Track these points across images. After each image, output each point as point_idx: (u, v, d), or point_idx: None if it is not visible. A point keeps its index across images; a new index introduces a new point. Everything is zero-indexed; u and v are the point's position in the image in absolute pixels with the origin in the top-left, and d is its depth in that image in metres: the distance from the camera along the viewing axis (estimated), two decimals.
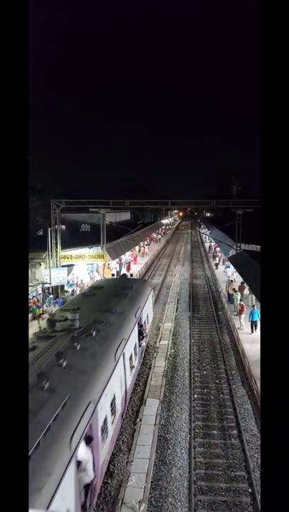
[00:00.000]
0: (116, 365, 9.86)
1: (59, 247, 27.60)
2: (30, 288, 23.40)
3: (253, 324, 18.84)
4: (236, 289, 25.60)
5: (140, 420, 11.93)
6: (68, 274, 26.76)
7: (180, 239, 79.31)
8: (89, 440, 7.32)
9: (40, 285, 25.08)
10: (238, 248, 30.66)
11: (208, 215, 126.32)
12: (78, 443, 6.50)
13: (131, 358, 12.20)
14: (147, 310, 17.02)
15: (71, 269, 27.80)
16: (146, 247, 53.27)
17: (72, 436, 6.31)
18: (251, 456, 10.36)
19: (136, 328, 13.44)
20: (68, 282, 27.65)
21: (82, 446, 6.93)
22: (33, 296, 24.02)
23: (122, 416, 11.10)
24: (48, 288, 25.03)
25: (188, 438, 11.24)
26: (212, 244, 53.48)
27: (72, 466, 6.16)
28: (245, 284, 25.57)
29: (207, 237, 64.59)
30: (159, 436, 11.22)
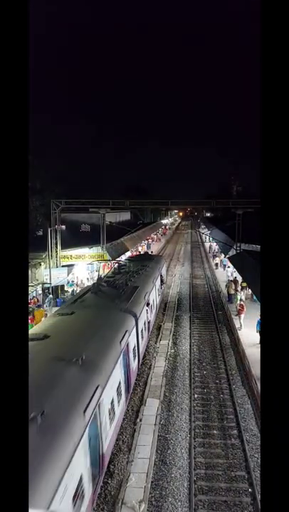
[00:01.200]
0: (153, 286, 19.50)
1: (59, 247, 27.59)
2: (30, 288, 23.39)
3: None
4: (230, 285, 25.73)
5: (140, 420, 11.94)
6: (68, 274, 26.76)
7: (180, 239, 79.34)
8: (148, 304, 16.72)
9: (40, 285, 25.09)
10: (238, 248, 30.66)
11: (208, 215, 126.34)
12: (145, 302, 15.75)
13: (158, 289, 22.51)
14: (163, 271, 27.87)
15: (71, 269, 27.80)
16: (146, 247, 53.40)
17: (144, 296, 15.94)
18: (251, 456, 10.36)
19: (159, 277, 23.56)
20: (68, 282, 27.65)
21: (145, 306, 15.88)
22: (33, 296, 24.02)
23: (155, 310, 20.59)
24: (48, 288, 25.03)
25: (188, 438, 11.24)
26: (212, 244, 53.47)
27: (146, 306, 15.78)
28: (238, 280, 25.74)
29: (207, 237, 64.57)
30: (159, 436, 11.22)
